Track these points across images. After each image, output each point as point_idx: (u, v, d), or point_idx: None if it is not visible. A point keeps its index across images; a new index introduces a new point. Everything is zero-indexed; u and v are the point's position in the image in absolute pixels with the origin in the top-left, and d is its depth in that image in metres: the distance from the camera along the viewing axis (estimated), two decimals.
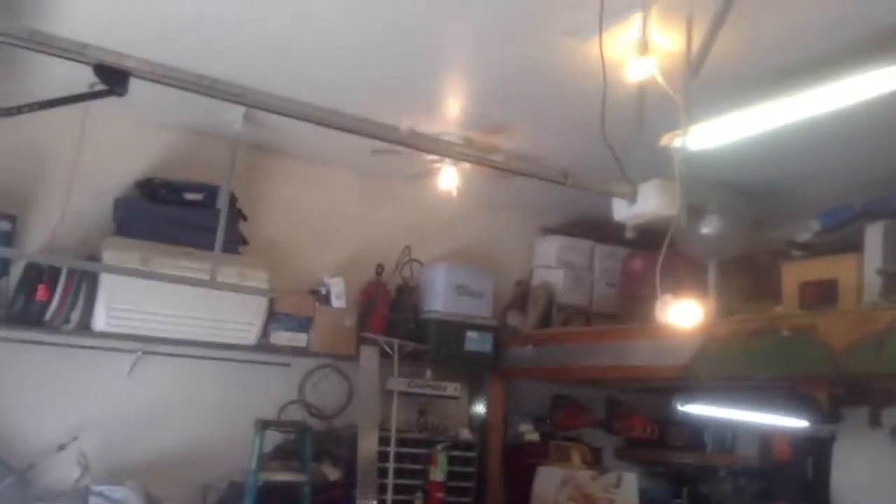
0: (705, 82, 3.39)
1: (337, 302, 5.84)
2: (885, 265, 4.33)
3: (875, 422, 4.58)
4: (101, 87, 2.61)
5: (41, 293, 4.76)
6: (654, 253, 6.60)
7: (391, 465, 5.77)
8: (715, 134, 3.73)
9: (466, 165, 5.44)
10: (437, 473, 5.96)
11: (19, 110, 2.75)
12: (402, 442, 5.92)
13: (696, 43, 3.22)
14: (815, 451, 3.62)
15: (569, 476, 5.90)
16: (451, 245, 6.68)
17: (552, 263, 6.71)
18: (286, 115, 2.88)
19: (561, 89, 4.34)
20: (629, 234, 3.50)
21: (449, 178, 5.44)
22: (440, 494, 5.92)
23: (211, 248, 5.03)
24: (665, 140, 3.61)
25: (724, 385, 5.29)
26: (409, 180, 6.21)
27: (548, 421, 6.58)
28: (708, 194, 5.56)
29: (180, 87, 2.72)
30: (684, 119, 3.10)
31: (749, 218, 5.49)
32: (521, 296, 6.76)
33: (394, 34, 3.93)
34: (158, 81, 2.69)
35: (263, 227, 5.87)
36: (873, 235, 4.43)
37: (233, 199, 5.40)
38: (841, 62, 3.25)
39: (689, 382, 5.09)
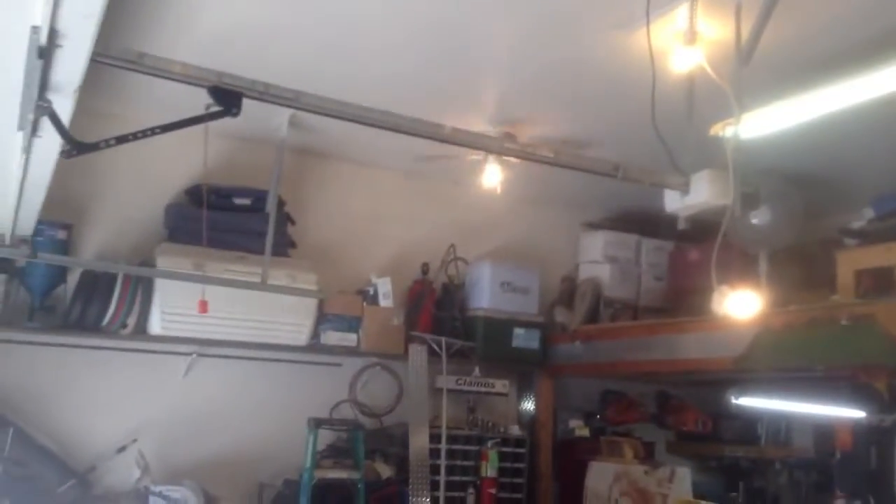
0: (753, 70, 3.35)
1: (384, 301, 5.88)
2: None
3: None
4: (215, 108, 2.68)
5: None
6: (703, 245, 6.64)
7: (443, 462, 5.81)
8: (765, 122, 3.68)
9: (511, 161, 5.45)
10: (489, 469, 5.98)
11: (134, 136, 2.79)
12: (452, 439, 5.95)
13: (745, 31, 3.17)
14: (878, 441, 3.55)
15: (622, 471, 5.86)
16: (495, 242, 6.68)
17: (598, 258, 6.67)
18: (336, 116, 2.91)
19: (608, 83, 4.32)
20: (681, 226, 3.46)
21: (493, 175, 5.44)
22: (492, 490, 5.93)
23: (261, 251, 5.12)
24: (715, 129, 3.57)
25: (778, 376, 5.22)
26: (453, 180, 6.26)
27: (598, 416, 6.55)
28: (759, 184, 5.50)
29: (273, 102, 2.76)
30: (736, 108, 3.06)
31: (800, 207, 5.39)
32: (568, 291, 6.74)
33: (437, 33, 3.95)
34: (263, 100, 2.76)
35: (311, 230, 5.93)
36: None
37: (280, 203, 5.48)
38: (890, 46, 3.17)
39: (743, 374, 5.03)
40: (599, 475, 5.99)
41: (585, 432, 6.45)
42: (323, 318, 5.64)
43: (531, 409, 6.59)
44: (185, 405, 5.41)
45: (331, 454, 5.58)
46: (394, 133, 3.05)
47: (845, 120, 4.04)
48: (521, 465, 6.25)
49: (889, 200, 4.85)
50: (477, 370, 6.26)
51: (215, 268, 5.11)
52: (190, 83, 2.67)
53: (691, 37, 3.35)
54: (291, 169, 5.74)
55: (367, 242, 6.20)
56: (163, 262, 5.03)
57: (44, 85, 2.09)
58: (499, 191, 5.42)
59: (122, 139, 2.75)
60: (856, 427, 3.60)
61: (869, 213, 5.18)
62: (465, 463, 6.03)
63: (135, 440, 5.14)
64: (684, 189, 3.23)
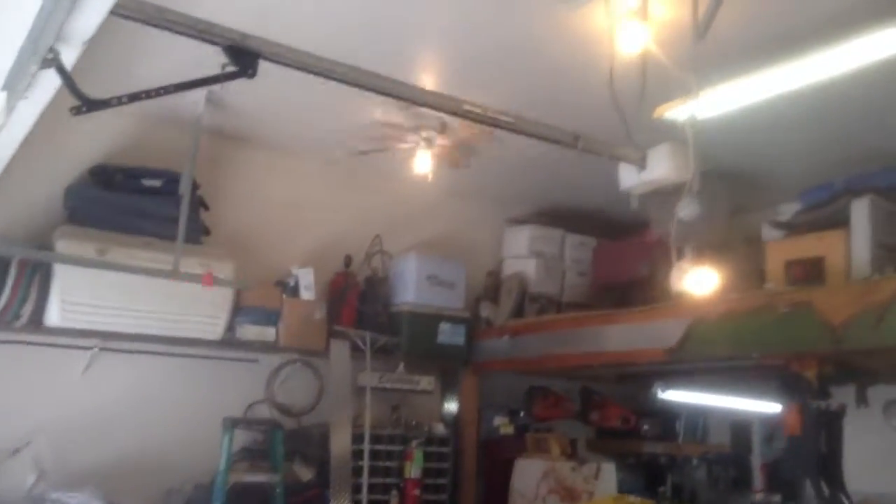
0: (701, 52, 3.29)
1: (306, 294, 5.58)
2: (874, 239, 4.28)
3: (861, 400, 4.53)
4: (231, 68, 2.56)
5: None
6: (626, 241, 6.64)
7: (366, 463, 5.56)
8: (710, 103, 3.60)
9: (442, 148, 5.27)
10: (413, 470, 5.76)
11: (147, 94, 2.74)
12: (375, 439, 5.69)
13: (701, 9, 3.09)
14: (827, 425, 3.55)
15: (549, 468, 5.75)
16: (419, 236, 6.47)
17: (524, 253, 6.57)
18: (365, 87, 2.69)
19: (557, 62, 4.12)
20: (633, 205, 3.36)
21: (423, 162, 5.24)
22: (416, 491, 5.71)
23: (171, 238, 4.74)
24: (659, 111, 3.49)
25: (706, 368, 5.20)
26: (377, 170, 6.04)
27: (522, 413, 6.42)
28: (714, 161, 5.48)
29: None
30: (693, 84, 2.97)
31: (727, 202, 5.44)
32: (493, 286, 6.61)
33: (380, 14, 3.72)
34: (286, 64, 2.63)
35: (226, 217, 5.56)
36: (860, 211, 4.39)
37: (194, 187, 5.11)
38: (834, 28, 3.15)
39: (671, 368, 4.99)
40: (526, 473, 5.86)
41: (510, 430, 6.31)
42: (239, 311, 5.29)
43: (456, 406, 6.40)
44: (86, 404, 4.95)
45: (245, 457, 5.24)
46: (319, 119, 2.94)
47: (769, 112, 4.05)
48: (445, 465, 6.05)
49: (816, 192, 4.90)
50: (402, 367, 6.03)
51: (121, 254, 4.70)
52: (208, 41, 2.53)
53: (643, 14, 3.24)
54: (206, 152, 5.33)
55: (286, 232, 5.88)
56: (63, 247, 4.59)
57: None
58: (430, 178, 5.22)
59: (134, 97, 2.67)
60: (805, 412, 3.58)
61: (791, 207, 5.26)
62: (389, 464, 5.79)
63: (30, 442, 4.65)
64: (641, 164, 3.12)
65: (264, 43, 2.59)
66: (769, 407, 6.19)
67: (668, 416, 7.22)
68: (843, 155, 5.27)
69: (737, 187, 5.64)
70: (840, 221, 4.54)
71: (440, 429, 6.14)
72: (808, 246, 4.62)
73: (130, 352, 5.11)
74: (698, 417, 7.28)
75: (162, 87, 2.67)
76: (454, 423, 6.34)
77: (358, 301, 5.92)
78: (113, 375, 5.08)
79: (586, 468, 5.84)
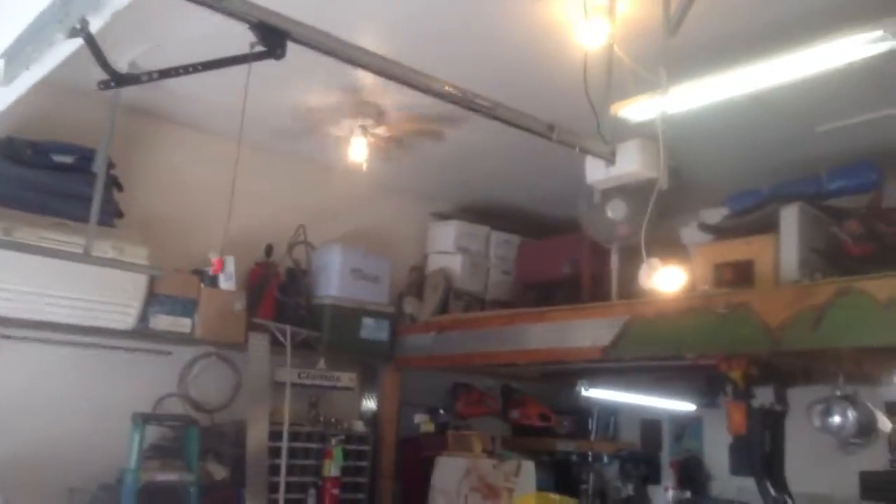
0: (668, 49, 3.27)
1: (226, 283, 5.30)
2: (802, 245, 4.41)
3: (781, 401, 4.64)
4: (259, 48, 2.49)
5: None
6: (550, 240, 6.66)
7: (283, 462, 5.31)
8: (676, 100, 3.58)
9: (377, 137, 5.12)
10: (332, 468, 5.55)
11: (177, 72, 2.68)
12: (293, 436, 5.46)
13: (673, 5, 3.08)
14: (772, 425, 3.62)
15: (471, 465, 5.67)
16: (341, 228, 6.27)
17: (450, 249, 6.48)
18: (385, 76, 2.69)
19: (515, 53, 4.03)
20: (596, 199, 3.31)
21: (358, 150, 5.06)
22: (335, 490, 5.51)
23: (81, 218, 4.42)
24: (615, 108, 3.46)
25: (631, 368, 5.25)
26: (302, 158, 5.83)
27: (441, 411, 6.32)
28: (680, 158, 5.52)
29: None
30: (664, 79, 2.94)
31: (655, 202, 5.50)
32: (417, 282, 6.49)
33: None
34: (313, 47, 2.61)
35: (140, 199, 5.22)
36: (789, 217, 4.51)
37: (109, 166, 4.75)
38: (807, 30, 3.20)
39: (605, 364, 5.00)
40: (447, 470, 5.76)
41: (431, 428, 6.20)
42: (153, 300, 4.95)
43: (375, 403, 6.24)
44: None
45: (156, 454, 4.91)
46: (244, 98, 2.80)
47: (696, 121, 4.10)
48: (364, 464, 5.87)
49: (743, 198, 5.03)
50: (322, 362, 5.81)
51: (28, 234, 4.32)
52: (237, 17, 2.43)
53: (610, 9, 3.20)
54: (121, 128, 4.97)
55: (204, 218, 5.51)
56: None
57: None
58: (364, 168, 5.04)
59: (165, 73, 2.62)
60: (750, 411, 3.64)
61: (712, 213, 5.39)
62: (307, 462, 5.56)
63: None
64: (610, 159, 3.07)
65: (294, 24, 2.51)
66: (685, 406, 6.37)
67: (580, 415, 7.32)
68: (766, 164, 5.46)
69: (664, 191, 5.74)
70: (768, 227, 4.66)
71: (360, 426, 5.96)
72: (738, 250, 4.73)
73: (34, 340, 4.70)
74: (610, 416, 7.40)
75: (191, 65, 2.59)
76: (373, 420, 6.18)
77: (279, 293, 5.67)
78: (14, 365, 4.66)
79: (507, 465, 5.78)
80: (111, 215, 4.83)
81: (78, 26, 1.76)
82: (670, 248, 6.05)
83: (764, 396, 4.55)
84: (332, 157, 5.73)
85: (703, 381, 4.81)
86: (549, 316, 5.02)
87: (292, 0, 2.57)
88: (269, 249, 5.73)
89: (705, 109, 3.74)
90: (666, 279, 3.13)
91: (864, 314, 3.53)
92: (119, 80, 2.53)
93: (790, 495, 3.44)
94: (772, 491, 3.43)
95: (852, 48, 2.95)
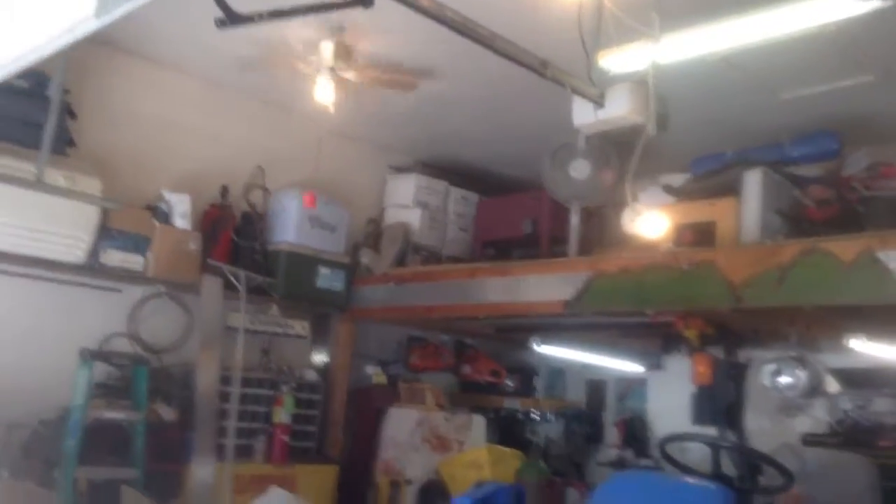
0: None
1: (180, 222, 5.13)
2: (763, 208, 4.49)
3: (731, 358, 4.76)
4: None
5: None
6: (510, 198, 6.65)
7: (234, 407, 5.21)
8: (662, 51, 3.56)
9: (344, 80, 4.98)
10: (283, 416, 5.47)
11: (285, 13, 2.75)
12: (244, 382, 5.36)
13: None
14: (735, 377, 3.70)
15: (423, 418, 5.67)
16: (298, 174, 6.14)
17: (408, 203, 6.41)
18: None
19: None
20: (581, 144, 3.28)
21: (325, 91, 4.91)
22: (284, 437, 5.43)
23: (32, 145, 4.20)
24: (603, 55, 3.43)
25: (588, 325, 5.30)
26: (262, 98, 5.67)
27: (400, 362, 6.29)
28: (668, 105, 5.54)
29: None
30: (656, 25, 2.92)
31: (616, 164, 5.53)
32: (374, 234, 6.41)
33: None
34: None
35: (93, 130, 5.00)
36: (752, 181, 4.59)
37: (63, 92, 4.52)
38: None
39: (563, 320, 5.03)
40: (399, 421, 5.76)
41: (383, 379, 6.17)
42: (105, 234, 4.77)
43: (327, 353, 6.17)
44: None
45: (101, 393, 4.76)
46: (208, 29, 2.73)
47: (664, 79, 4.12)
48: (314, 413, 5.81)
49: (707, 161, 5.09)
50: (275, 309, 5.71)
51: None
52: None
53: None
54: (76, 56, 4.72)
55: (159, 153, 5.38)
56: None
57: None
58: (332, 110, 4.91)
59: (275, 14, 2.73)
60: (716, 363, 3.71)
61: (674, 177, 5.46)
62: (257, 408, 5.48)
63: None
64: (599, 102, 3.05)
65: None
66: (633, 367, 6.49)
67: (527, 373, 7.40)
68: (729, 130, 5.53)
69: (624, 153, 5.77)
70: (731, 190, 4.74)
71: (311, 375, 5.89)
72: (700, 211, 4.80)
73: None
74: (556, 375, 7.51)
75: (296, 7, 2.69)
76: (325, 370, 6.11)
77: (234, 236, 5.52)
78: None
79: (458, 419, 5.82)
80: (64, 143, 4.62)
81: None
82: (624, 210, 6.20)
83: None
84: (293, 98, 5.58)
85: (660, 340, 4.88)
86: (511, 270, 5.02)
87: None
88: (224, 191, 5.56)
89: (672, 71, 3.74)
90: (649, 225, 3.14)
91: (827, 273, 3.61)
92: (234, 19, 2.61)
93: (747, 441, 3.53)
94: (732, 436, 3.52)
95: (838, 5, 2.97)
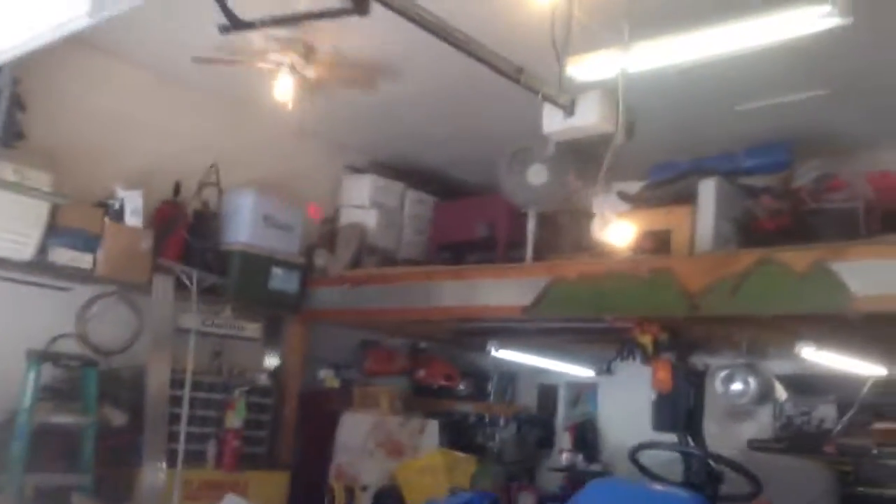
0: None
1: (132, 219, 5.01)
2: (718, 217, 4.58)
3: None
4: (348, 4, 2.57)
5: None
6: (466, 201, 6.66)
7: (184, 411, 5.09)
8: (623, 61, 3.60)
9: (305, 78, 4.93)
10: (235, 420, 5.37)
11: (284, 20, 2.92)
12: (195, 386, 5.24)
13: None
14: (695, 383, 3.77)
15: (377, 422, 5.64)
16: (252, 172, 6.02)
17: (364, 203, 6.36)
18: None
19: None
20: (550, 151, 3.30)
21: (284, 88, 4.85)
22: (236, 442, 5.33)
23: None
24: (573, 62, 3.45)
25: (544, 330, 5.34)
26: (216, 93, 5.57)
27: (346, 367, 6.24)
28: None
29: None
30: (625, 32, 2.95)
31: (574, 171, 5.58)
32: (329, 234, 6.35)
33: None
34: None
35: (43, 123, 4.82)
36: (707, 190, 4.68)
37: (13, 83, 4.37)
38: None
39: (521, 325, 5.06)
40: (353, 426, 5.71)
41: (335, 383, 6.12)
42: (54, 231, 4.62)
43: (278, 356, 6.09)
44: None
45: (49, 396, 4.60)
46: (161, 23, 2.73)
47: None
48: (265, 417, 5.72)
49: (662, 170, 5.18)
50: (228, 310, 5.60)
51: None
52: None
53: None
54: None
55: (111, 148, 5.23)
56: None
57: None
58: (290, 107, 4.85)
59: (278, 20, 2.94)
60: (676, 369, 3.77)
61: (628, 185, 5.54)
62: (208, 413, 5.37)
63: None
64: (569, 110, 3.07)
65: None
66: (585, 372, 6.57)
67: (479, 378, 7.42)
68: (684, 140, 5.62)
69: (581, 158, 5.83)
70: (686, 198, 4.82)
71: (263, 378, 5.80)
72: (656, 219, 4.86)
73: None
74: (508, 380, 7.54)
75: (295, 15, 2.83)
76: (276, 373, 6.02)
77: (187, 235, 5.40)
78: None
79: (412, 423, 5.80)
80: (13, 136, 4.46)
81: None
82: (580, 216, 6.27)
83: None
84: (249, 93, 5.51)
85: (613, 346, 4.94)
86: (469, 274, 5.03)
87: None
88: (177, 188, 5.45)
89: (630, 80, 3.78)
90: (617, 233, 3.18)
91: (781, 283, 3.71)
92: (238, 24, 2.78)
93: (705, 447, 3.60)
94: (690, 443, 3.58)
95: (800, 21, 3.05)
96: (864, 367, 5.04)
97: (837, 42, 3.93)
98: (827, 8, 2.98)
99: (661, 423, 3.73)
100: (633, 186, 5.54)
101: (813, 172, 4.79)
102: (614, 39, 3.13)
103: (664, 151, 5.50)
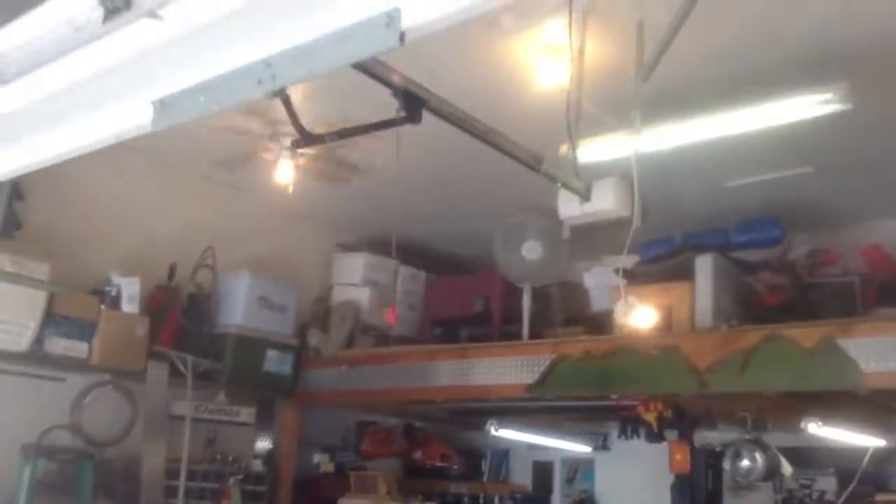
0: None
1: (129, 306, 4.94)
2: (715, 293, 4.64)
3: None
4: (402, 112, 2.71)
5: None
6: (460, 277, 6.67)
7: (180, 502, 4.94)
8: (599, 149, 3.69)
9: (301, 161, 4.98)
10: None
11: (349, 133, 3.24)
12: (190, 475, 5.10)
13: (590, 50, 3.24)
14: (712, 465, 3.73)
15: None
16: (243, 253, 5.99)
17: (357, 281, 6.35)
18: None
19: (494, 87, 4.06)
20: (565, 235, 3.35)
21: (285, 171, 4.89)
22: None
23: None
24: (564, 149, 3.54)
25: (543, 408, 5.31)
26: (205, 175, 5.60)
27: (348, 450, 6.11)
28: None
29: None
30: (637, 120, 3.04)
31: (567, 245, 5.65)
32: (322, 313, 6.30)
33: None
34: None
35: (40, 210, 4.78)
36: (704, 266, 4.74)
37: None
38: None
39: (525, 403, 5.03)
40: None
41: (330, 468, 5.99)
42: (50, 320, 4.54)
43: (272, 441, 5.95)
44: None
45: (42, 490, 4.44)
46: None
47: (615, 166, 4.28)
48: None
49: (656, 246, 5.25)
50: (222, 395, 5.50)
51: None
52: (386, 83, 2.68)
53: (580, 52, 3.29)
54: None
55: (104, 233, 5.19)
56: None
57: None
58: (290, 190, 4.88)
59: (342, 133, 3.19)
60: (694, 451, 3.74)
61: (616, 259, 5.61)
62: (201, 503, 5.21)
63: None
64: (585, 195, 3.13)
65: (432, 95, 2.76)
66: (582, 448, 6.51)
67: (473, 456, 7.32)
68: (676, 214, 5.73)
69: (575, 235, 5.91)
70: (682, 274, 4.88)
71: (257, 465, 5.66)
72: (655, 295, 4.89)
73: None
74: (502, 458, 7.45)
75: (355, 128, 3.14)
76: (269, 459, 5.88)
77: (182, 319, 5.33)
78: None
79: None
80: (11, 227, 4.40)
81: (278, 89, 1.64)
82: (570, 290, 6.33)
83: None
84: (241, 177, 5.56)
85: (613, 422, 4.92)
86: (471, 353, 5.00)
87: None
88: (171, 271, 5.40)
89: (621, 159, 3.88)
90: (642, 317, 3.21)
91: (789, 360, 3.74)
92: (309, 139, 3.04)
93: None
94: None
95: (801, 107, 3.17)
96: (863, 439, 5.06)
97: (820, 122, 4.09)
98: (829, 95, 3.11)
99: None
100: (624, 260, 5.63)
101: (804, 247, 4.89)
102: (616, 125, 3.22)
103: (653, 226, 5.60)
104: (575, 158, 3.13)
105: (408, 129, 4.38)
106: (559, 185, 3.17)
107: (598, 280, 6.06)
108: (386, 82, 2.55)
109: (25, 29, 1.72)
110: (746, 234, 5.07)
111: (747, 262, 5.00)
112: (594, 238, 6.12)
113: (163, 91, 1.70)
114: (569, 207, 3.36)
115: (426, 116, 2.90)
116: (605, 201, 3.21)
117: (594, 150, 3.37)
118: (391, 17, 1.36)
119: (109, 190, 5.22)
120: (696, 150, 4.52)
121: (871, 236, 5.12)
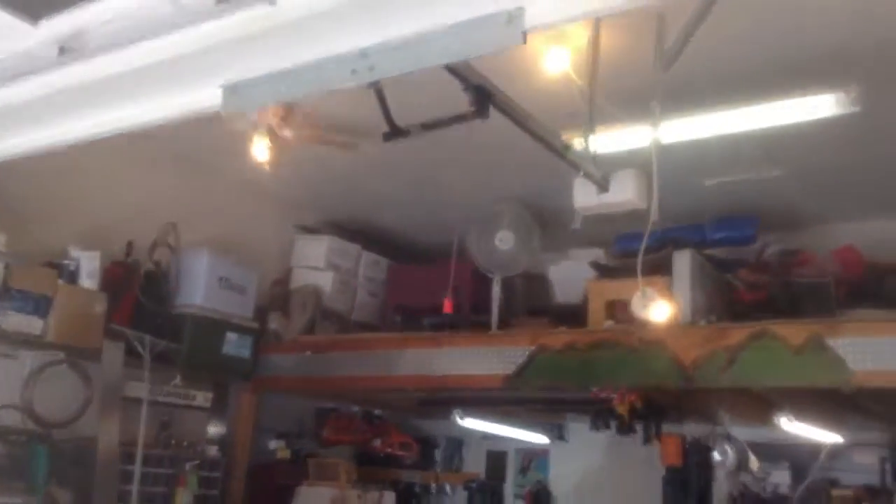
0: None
1: (88, 281, 4.67)
2: (692, 288, 4.67)
3: (654, 436, 4.86)
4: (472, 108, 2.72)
5: None
6: (426, 266, 6.57)
7: (135, 489, 4.72)
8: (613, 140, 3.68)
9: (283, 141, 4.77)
10: (185, 497, 5.01)
11: (433, 125, 3.20)
12: (145, 460, 4.87)
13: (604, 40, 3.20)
14: (701, 457, 3.74)
15: (338, 496, 5.38)
16: (202, 232, 5.73)
17: (320, 265, 6.16)
18: None
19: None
20: (576, 226, 3.29)
21: (261, 149, 4.67)
22: None
23: None
24: (569, 138, 3.49)
25: (513, 399, 5.27)
26: (172, 152, 5.34)
27: (298, 437, 5.94)
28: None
29: None
30: (656, 110, 3.00)
31: (538, 236, 5.62)
32: (282, 297, 6.09)
33: None
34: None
35: None
36: (682, 261, 4.76)
37: None
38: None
39: (498, 394, 4.96)
40: (310, 501, 5.42)
41: (287, 454, 5.81)
42: (5, 294, 4.23)
43: (227, 425, 5.73)
44: None
45: None
46: None
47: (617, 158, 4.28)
48: (214, 492, 5.35)
49: (630, 240, 5.24)
50: (178, 378, 5.26)
51: None
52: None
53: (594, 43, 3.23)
54: None
55: (59, 204, 4.87)
56: None
57: None
58: (268, 168, 4.67)
59: (426, 126, 3.20)
60: (686, 444, 3.74)
61: (581, 252, 5.64)
62: (156, 489, 4.98)
63: None
64: (603, 186, 3.07)
65: (498, 91, 2.76)
66: (539, 439, 6.52)
67: (426, 445, 7.24)
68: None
69: (545, 225, 5.87)
70: (660, 269, 4.90)
71: (214, 451, 5.44)
72: (632, 289, 4.89)
73: None
74: (456, 447, 7.39)
75: (437, 121, 3.14)
76: (224, 444, 5.66)
77: (140, 297, 5.06)
78: None
79: (370, 495, 5.57)
80: None
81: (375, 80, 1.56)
82: (533, 282, 6.30)
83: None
84: (204, 151, 5.32)
85: (590, 415, 4.91)
86: (447, 341, 4.91)
87: None
88: (129, 248, 5.12)
89: (629, 151, 3.87)
90: (659, 310, 3.18)
91: (776, 357, 3.79)
92: (398, 133, 3.16)
93: None
94: None
95: (814, 107, 3.19)
96: (821, 435, 5.20)
97: (793, 127, 4.13)
98: (840, 95, 3.13)
99: (674, 499, 3.70)
100: (592, 254, 5.64)
101: (776, 246, 4.97)
102: (627, 117, 3.18)
103: (626, 220, 5.62)
104: (592, 146, 3.07)
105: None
106: (582, 173, 3.11)
107: (566, 273, 6.05)
108: (462, 77, 2.53)
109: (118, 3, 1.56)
110: (722, 232, 5.13)
111: (724, 260, 5.06)
112: (560, 231, 6.17)
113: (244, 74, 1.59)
114: (585, 197, 3.30)
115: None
116: (624, 193, 3.17)
117: (607, 141, 3.32)
118: (512, 16, 1.33)
119: (68, 160, 4.88)
120: (679, 148, 4.56)
121: (833, 238, 5.26)
